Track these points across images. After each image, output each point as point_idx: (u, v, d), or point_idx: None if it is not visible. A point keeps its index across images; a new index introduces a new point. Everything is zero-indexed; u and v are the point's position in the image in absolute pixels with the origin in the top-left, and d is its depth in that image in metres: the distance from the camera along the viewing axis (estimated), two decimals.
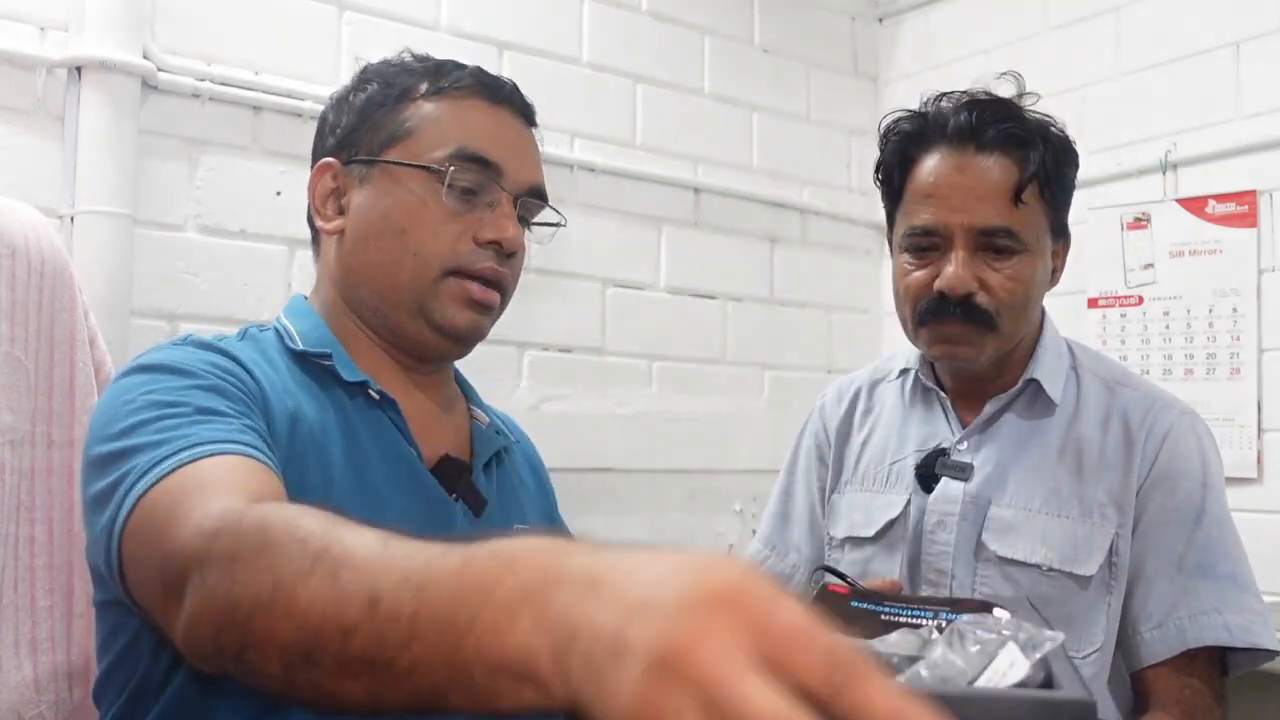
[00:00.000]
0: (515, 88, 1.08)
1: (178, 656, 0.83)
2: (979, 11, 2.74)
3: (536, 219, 1.09)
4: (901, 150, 1.29)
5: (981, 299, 1.23)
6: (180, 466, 0.74)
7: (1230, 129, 2.25)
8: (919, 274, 1.26)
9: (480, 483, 1.04)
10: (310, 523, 0.62)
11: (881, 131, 1.33)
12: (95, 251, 1.74)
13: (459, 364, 1.16)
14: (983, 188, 1.22)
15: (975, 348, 1.26)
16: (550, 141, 2.38)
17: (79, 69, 1.77)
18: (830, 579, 1.12)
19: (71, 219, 1.75)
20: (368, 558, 0.57)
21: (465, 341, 1.05)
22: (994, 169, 1.23)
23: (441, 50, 1.16)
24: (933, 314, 1.25)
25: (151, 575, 0.71)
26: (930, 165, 1.26)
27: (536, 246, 1.00)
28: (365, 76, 1.07)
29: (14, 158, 1.73)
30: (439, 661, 0.51)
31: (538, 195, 1.07)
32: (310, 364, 0.99)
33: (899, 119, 1.31)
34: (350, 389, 0.99)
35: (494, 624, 0.49)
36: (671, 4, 2.55)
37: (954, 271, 1.22)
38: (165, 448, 0.76)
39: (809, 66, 2.82)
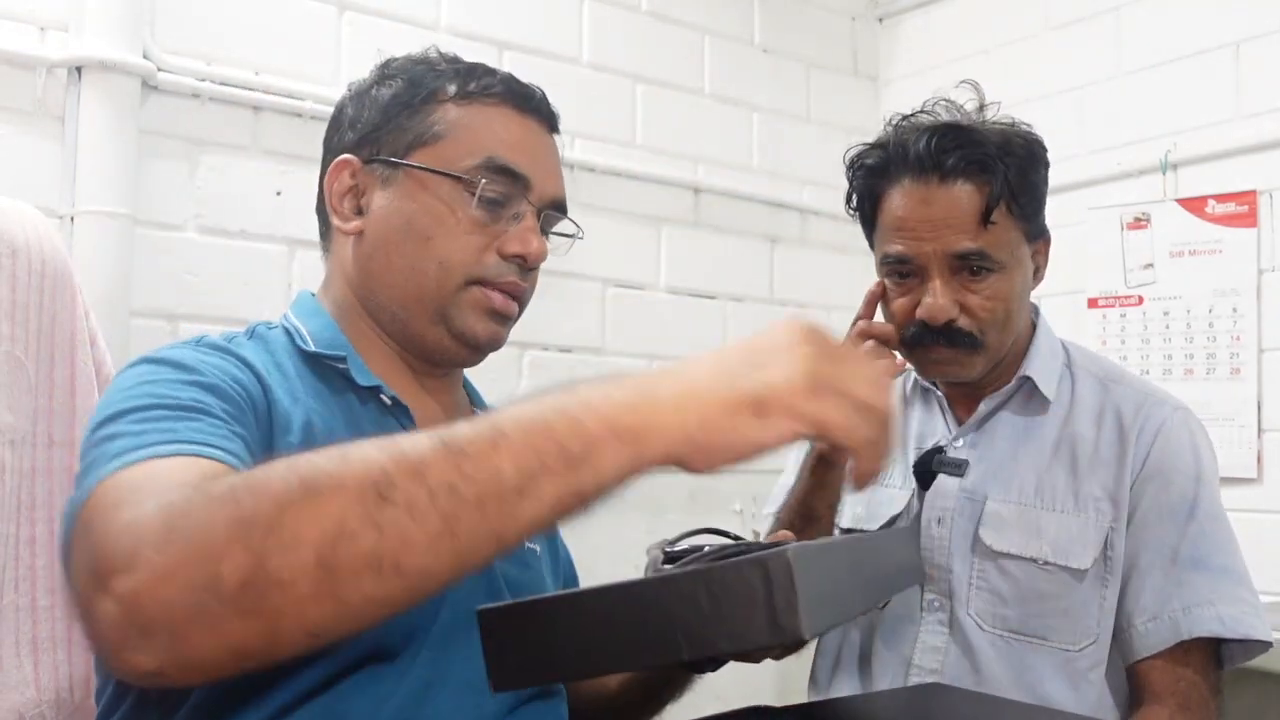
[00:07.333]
0: (544, 97, 1.06)
1: None
2: (979, 11, 2.74)
3: (554, 229, 1.09)
4: (868, 184, 1.31)
5: (963, 322, 1.26)
6: (148, 460, 0.72)
7: (1230, 129, 2.25)
8: (902, 300, 1.30)
9: None
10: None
11: (846, 164, 1.34)
12: (95, 251, 1.74)
13: None
14: (950, 217, 1.24)
15: (965, 366, 1.29)
16: None
17: (79, 69, 1.77)
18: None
19: (71, 219, 1.76)
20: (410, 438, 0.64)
21: (484, 350, 1.04)
22: (960, 197, 1.23)
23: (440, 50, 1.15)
24: (918, 340, 1.28)
25: (82, 560, 0.65)
26: (897, 199, 1.27)
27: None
28: (389, 72, 1.04)
29: (14, 158, 1.73)
30: (549, 447, 0.62)
31: (559, 208, 1.06)
32: (322, 365, 0.98)
33: (861, 152, 1.33)
34: (362, 393, 0.98)
35: (605, 396, 0.66)
36: (671, 4, 2.56)
37: (933, 302, 1.25)
38: (142, 438, 0.74)
39: (809, 66, 2.82)
